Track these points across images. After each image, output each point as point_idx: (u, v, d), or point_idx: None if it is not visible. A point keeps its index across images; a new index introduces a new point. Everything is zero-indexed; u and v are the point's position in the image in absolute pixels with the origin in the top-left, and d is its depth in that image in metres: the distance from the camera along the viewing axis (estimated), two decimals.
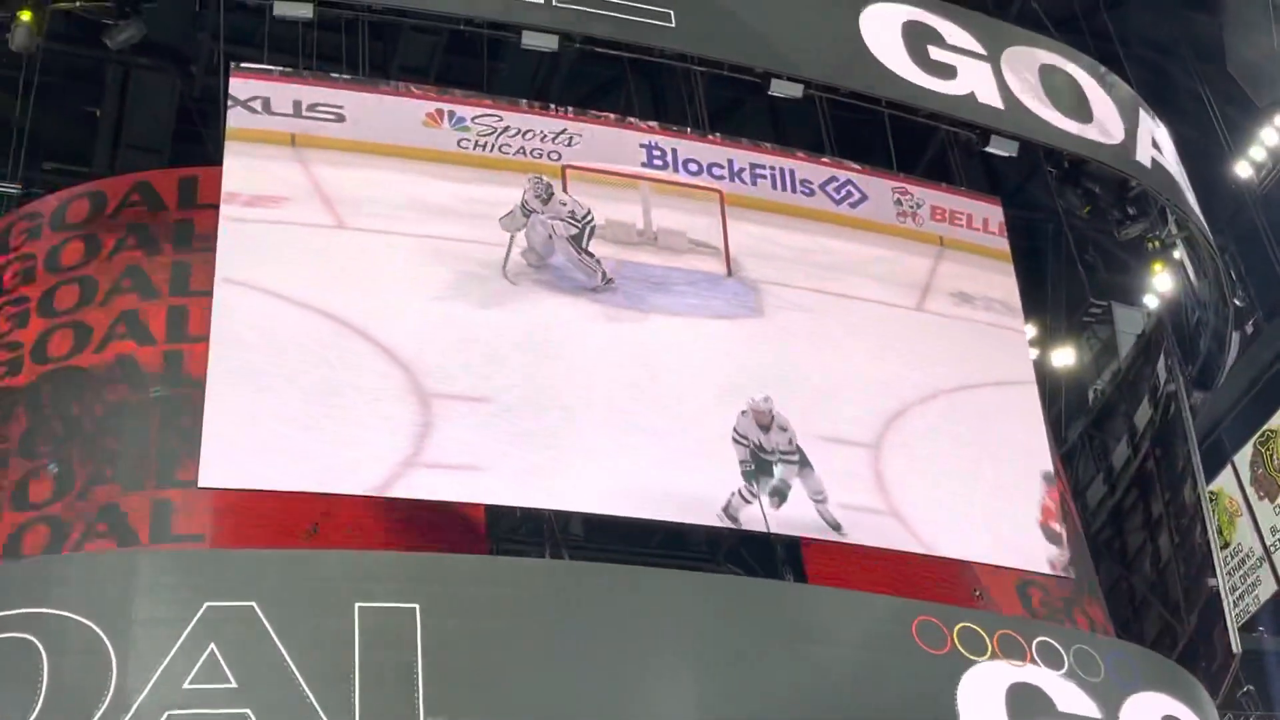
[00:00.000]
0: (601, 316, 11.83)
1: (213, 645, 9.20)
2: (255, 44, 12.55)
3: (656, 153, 12.76)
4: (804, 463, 11.60)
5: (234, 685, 9.12)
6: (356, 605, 9.59)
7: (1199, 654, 13.68)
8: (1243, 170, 19.11)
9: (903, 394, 12.38)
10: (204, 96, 13.83)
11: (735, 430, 11.54)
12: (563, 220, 12.04)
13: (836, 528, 11.52)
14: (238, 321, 10.90)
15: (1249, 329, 18.03)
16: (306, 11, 11.81)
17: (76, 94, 14.59)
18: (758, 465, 11.50)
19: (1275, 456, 18.64)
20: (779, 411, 11.68)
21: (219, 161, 11.56)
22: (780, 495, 11.45)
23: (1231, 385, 18.21)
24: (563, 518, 12.08)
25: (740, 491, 11.30)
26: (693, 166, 12.84)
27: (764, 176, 13.03)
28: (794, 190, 13.08)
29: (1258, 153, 18.99)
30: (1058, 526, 12.40)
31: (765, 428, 11.60)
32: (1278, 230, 18.97)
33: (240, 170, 11.55)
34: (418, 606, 9.67)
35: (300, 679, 9.19)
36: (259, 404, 10.64)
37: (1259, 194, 19.11)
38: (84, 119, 14.82)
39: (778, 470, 11.49)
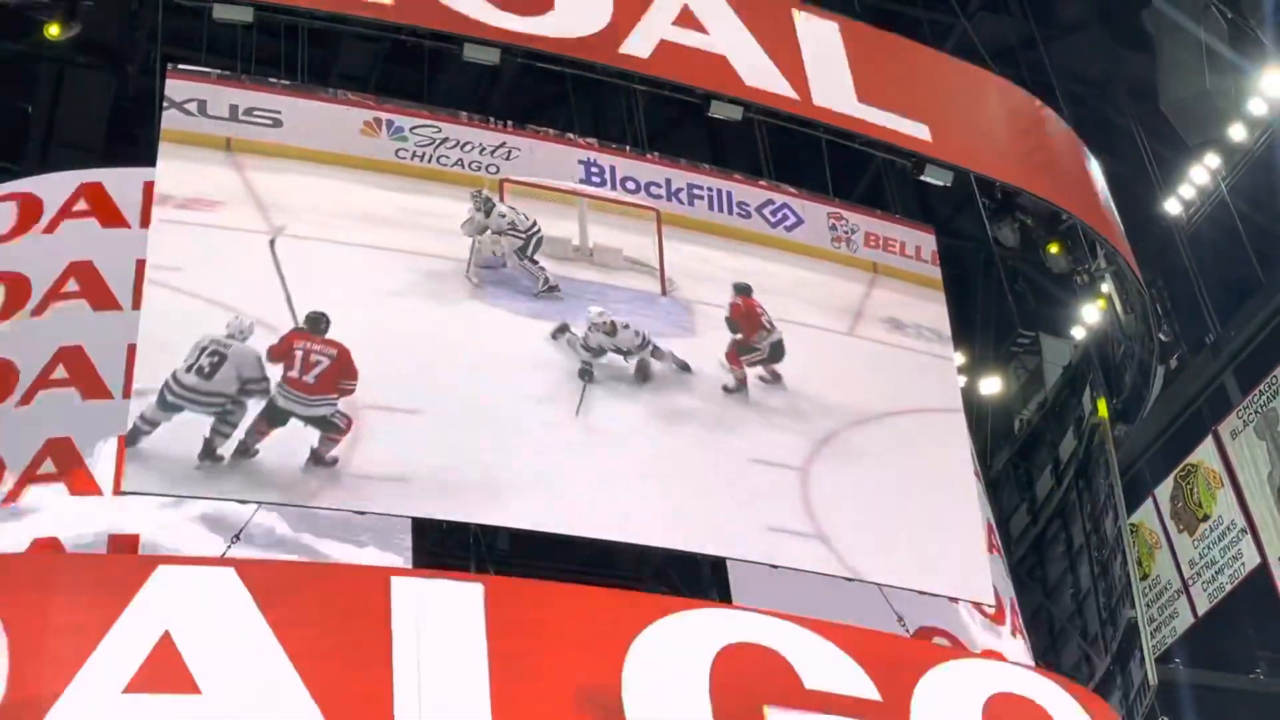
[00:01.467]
0: (536, 331, 11.80)
1: None
2: (193, 46, 12.44)
3: (595, 170, 12.76)
4: (656, 348, 11.90)
5: None
6: None
7: (1116, 684, 13.83)
8: (1172, 207, 19.45)
9: (833, 418, 12.43)
10: (139, 96, 13.70)
11: (585, 340, 11.72)
12: (504, 234, 12.01)
13: (686, 368, 11.85)
14: (166, 325, 10.77)
15: (1173, 364, 18.31)
16: (246, 15, 11.73)
17: (9, 90, 14.41)
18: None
19: (1195, 491, 18.90)
20: (617, 318, 11.85)
21: (152, 162, 11.45)
22: (644, 373, 11.77)
23: (1154, 419, 18.47)
24: (489, 532, 12.04)
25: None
26: (630, 185, 12.84)
27: (701, 197, 13.06)
28: (730, 212, 13.11)
29: (1187, 191, 19.34)
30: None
31: (611, 334, 11.79)
32: (1204, 267, 19.31)
33: (174, 172, 11.42)
34: None
35: None
36: (184, 409, 10.50)
37: (1187, 231, 19.44)
38: (15, 115, 14.63)
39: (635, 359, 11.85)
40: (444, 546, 12.11)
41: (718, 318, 12.48)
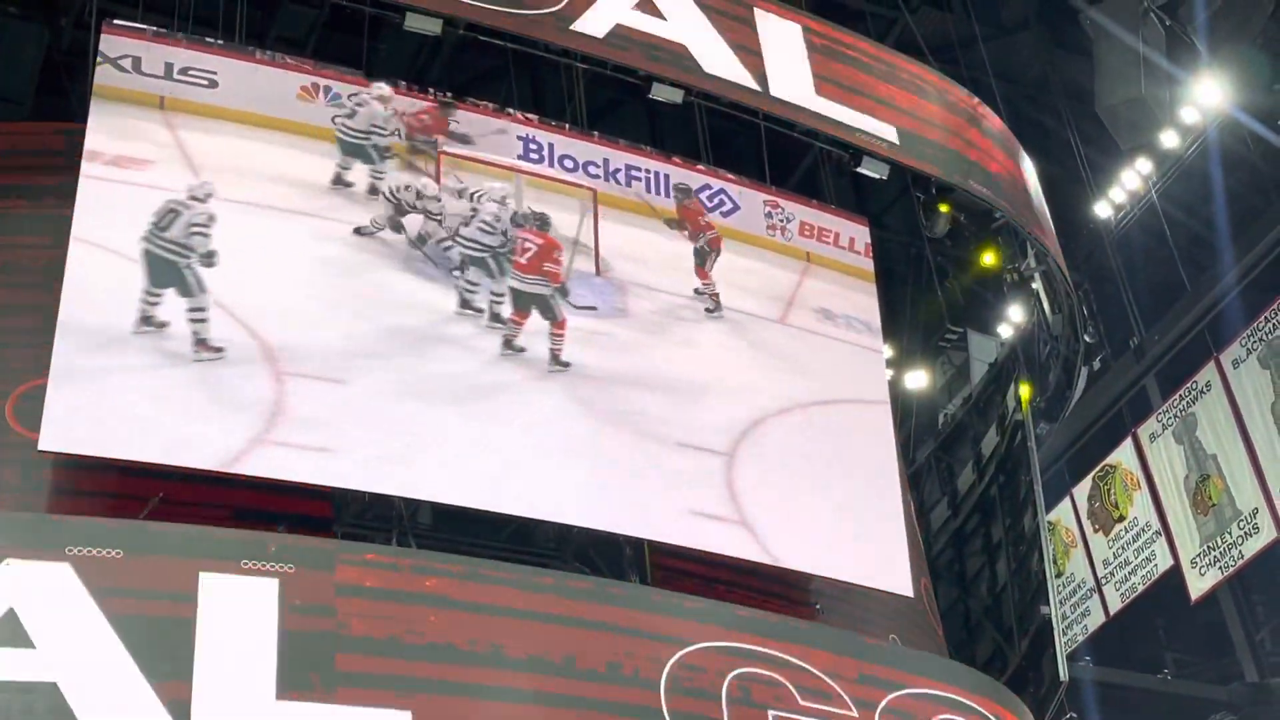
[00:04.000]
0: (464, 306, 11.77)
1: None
2: (130, 1, 12.24)
3: (533, 146, 12.70)
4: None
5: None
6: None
7: (1028, 680, 13.99)
8: (1102, 210, 19.72)
9: (760, 405, 12.46)
10: (72, 51, 13.42)
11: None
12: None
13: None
14: (90, 284, 10.61)
15: (1096, 365, 18.54)
16: None
17: None
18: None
19: (1112, 491, 19.19)
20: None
21: (84, 118, 11.27)
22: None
23: (1076, 419, 18.70)
24: (411, 506, 11.95)
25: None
26: (568, 163, 12.79)
27: (639, 178, 13.04)
28: (668, 195, 13.11)
29: (1118, 194, 19.61)
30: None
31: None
32: (1131, 271, 19.58)
33: (105, 129, 11.25)
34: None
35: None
36: (107, 370, 10.37)
37: (1116, 234, 19.70)
38: None
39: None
40: (364, 518, 12.01)
41: (650, 300, 12.52)
